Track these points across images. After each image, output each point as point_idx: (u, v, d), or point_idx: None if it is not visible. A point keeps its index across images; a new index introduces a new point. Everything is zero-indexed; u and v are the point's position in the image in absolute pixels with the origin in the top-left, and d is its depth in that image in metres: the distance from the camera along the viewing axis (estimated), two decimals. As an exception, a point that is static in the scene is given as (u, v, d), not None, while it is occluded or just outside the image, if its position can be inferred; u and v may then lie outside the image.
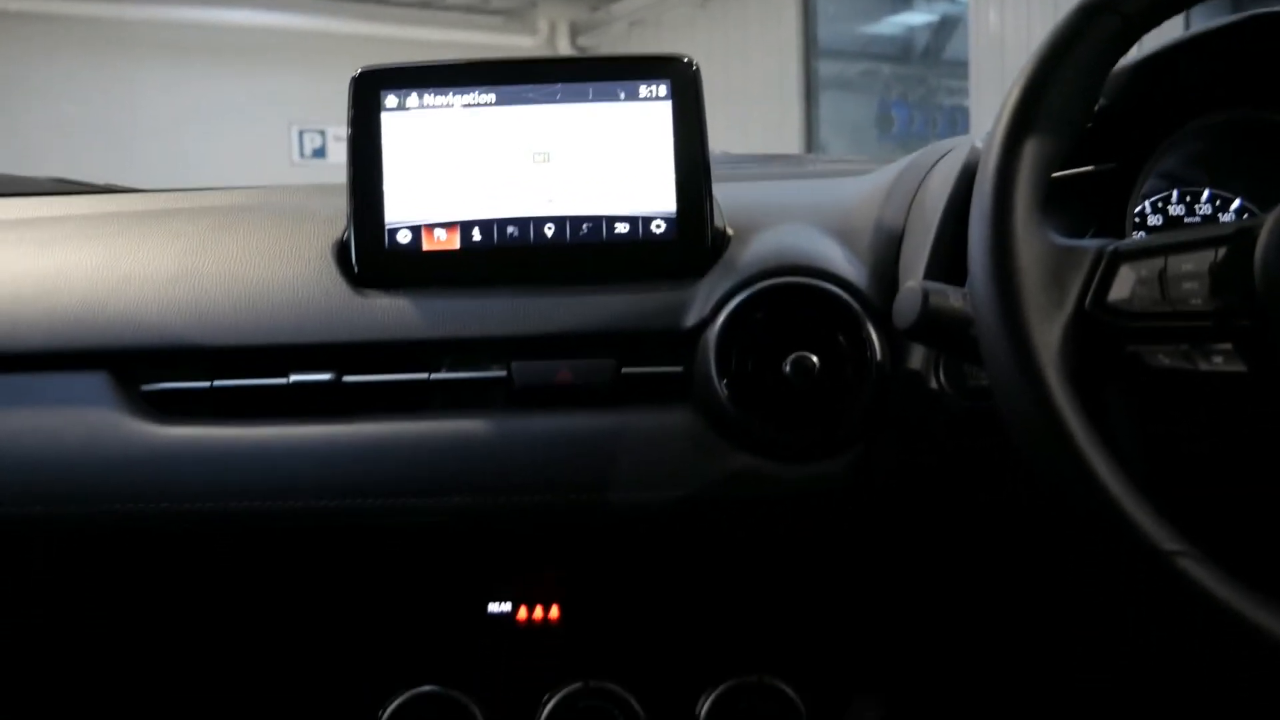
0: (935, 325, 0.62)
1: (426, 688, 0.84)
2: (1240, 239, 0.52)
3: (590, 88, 0.81)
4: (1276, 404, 0.55)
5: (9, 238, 0.85)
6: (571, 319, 0.78)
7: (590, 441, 0.76)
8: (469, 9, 8.10)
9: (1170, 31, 0.70)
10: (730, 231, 0.83)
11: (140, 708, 0.88)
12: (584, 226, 0.81)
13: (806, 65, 6.74)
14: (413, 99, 0.81)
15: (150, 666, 0.87)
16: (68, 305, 0.79)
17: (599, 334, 0.78)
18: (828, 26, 6.81)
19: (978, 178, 0.61)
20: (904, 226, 0.81)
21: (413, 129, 0.81)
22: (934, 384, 0.73)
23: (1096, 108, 0.64)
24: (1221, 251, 0.53)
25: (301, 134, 7.95)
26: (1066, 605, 0.85)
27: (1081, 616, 0.85)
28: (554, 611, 0.85)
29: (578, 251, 0.81)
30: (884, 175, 0.88)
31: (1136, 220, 0.80)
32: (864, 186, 0.88)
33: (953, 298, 0.62)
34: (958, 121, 6.49)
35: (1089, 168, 0.77)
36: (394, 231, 0.81)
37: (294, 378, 0.77)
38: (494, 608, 0.85)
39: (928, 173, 0.83)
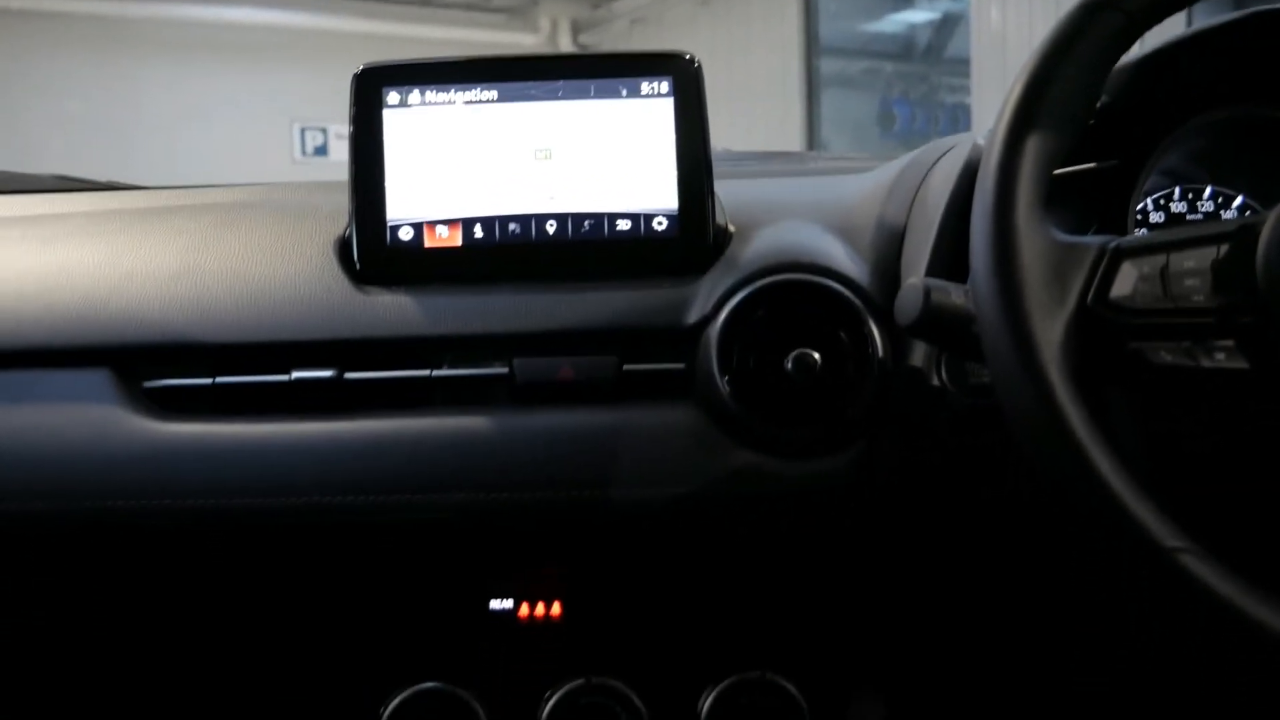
0: (937, 322, 0.62)
1: (428, 684, 0.84)
2: (1242, 236, 0.52)
3: (592, 85, 0.81)
4: (1278, 401, 0.55)
5: (11, 235, 0.85)
6: (573, 316, 0.78)
7: (592, 438, 0.76)
8: (470, 6, 8.10)
9: (1172, 28, 0.70)
10: (732, 228, 0.82)
11: (143, 703, 0.88)
12: (586, 223, 0.81)
13: (808, 63, 6.73)
14: (414, 96, 0.81)
15: (152, 662, 0.88)
16: (70, 302, 0.79)
17: (601, 331, 0.78)
18: (829, 24, 6.81)
19: (980, 174, 0.61)
20: (906, 223, 0.80)
21: (415, 126, 0.81)
22: (936, 381, 0.73)
23: (1099, 105, 0.64)
24: (1223, 248, 0.53)
25: (303, 131, 7.95)
26: (1068, 602, 0.85)
27: (1083, 613, 0.85)
28: (556, 608, 0.85)
29: (579, 248, 0.81)
30: (886, 172, 0.88)
31: (1138, 217, 0.80)
32: (866, 184, 0.88)
33: (955, 295, 0.62)
34: (959, 119, 6.49)
35: (1091, 165, 0.76)
36: (396, 228, 0.81)
37: (296, 374, 0.77)
38: (496, 604, 0.85)
39: (930, 170, 0.83)
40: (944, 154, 0.84)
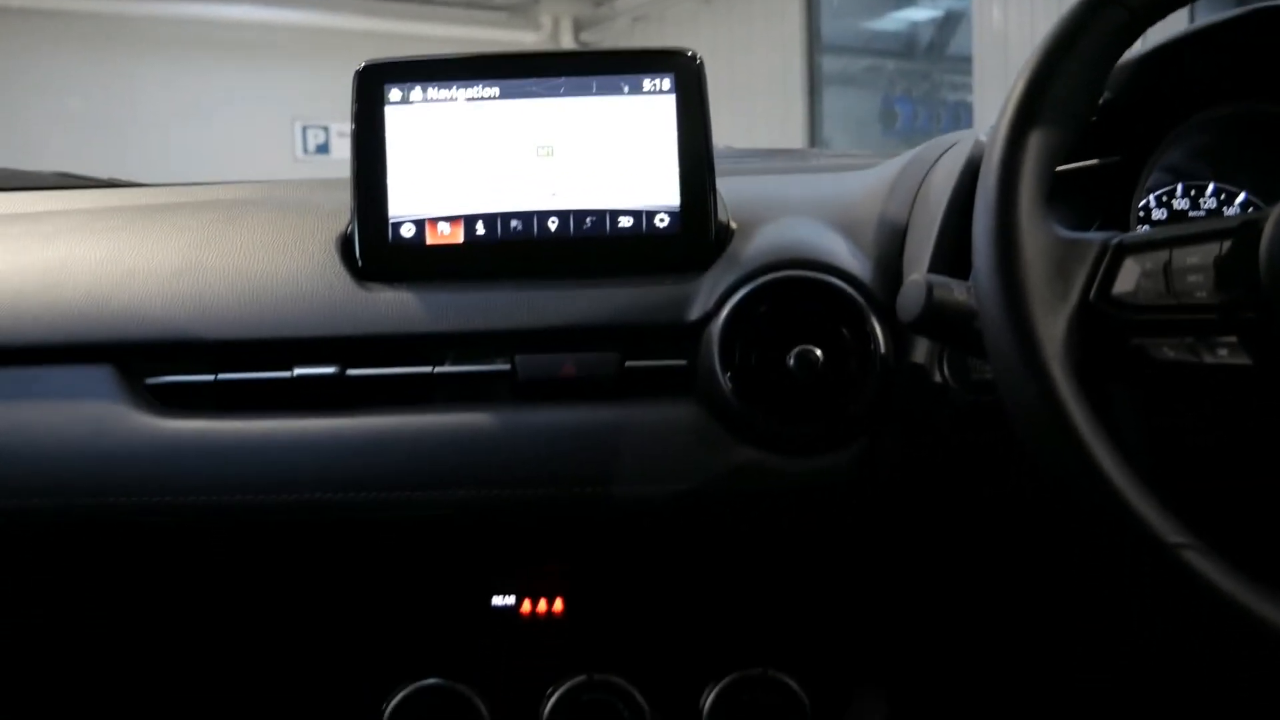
0: (939, 319, 0.62)
1: (430, 681, 0.85)
2: (1245, 232, 0.52)
3: (594, 81, 0.81)
4: (1281, 397, 0.55)
5: (12, 232, 0.85)
6: (575, 312, 0.78)
7: (594, 435, 0.76)
8: (472, 4, 8.09)
9: (1175, 25, 0.70)
10: (734, 225, 0.82)
11: (144, 700, 0.89)
12: (587, 220, 0.81)
13: (810, 60, 6.73)
14: (416, 93, 0.81)
15: (154, 659, 0.88)
16: (71, 299, 0.79)
17: (603, 327, 0.78)
18: (831, 22, 6.80)
19: (982, 171, 0.61)
20: (908, 220, 0.80)
21: (416, 123, 0.81)
22: (938, 377, 0.73)
23: (1101, 101, 0.64)
24: (1226, 244, 0.53)
25: (305, 129, 7.94)
26: (1070, 598, 0.85)
27: (1085, 610, 0.85)
28: (558, 605, 0.85)
29: (581, 245, 0.81)
30: (888, 169, 0.88)
31: (1141, 214, 0.80)
32: (868, 180, 0.88)
33: (957, 291, 0.62)
34: (961, 117, 6.48)
35: (1093, 161, 0.76)
36: (398, 225, 0.81)
37: (298, 371, 0.77)
38: (498, 601, 0.85)
39: (932, 166, 0.83)
40: (946, 151, 0.84)
